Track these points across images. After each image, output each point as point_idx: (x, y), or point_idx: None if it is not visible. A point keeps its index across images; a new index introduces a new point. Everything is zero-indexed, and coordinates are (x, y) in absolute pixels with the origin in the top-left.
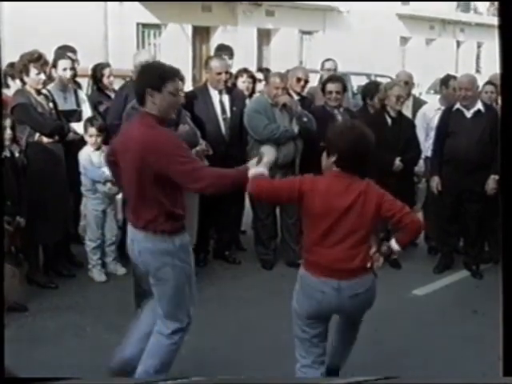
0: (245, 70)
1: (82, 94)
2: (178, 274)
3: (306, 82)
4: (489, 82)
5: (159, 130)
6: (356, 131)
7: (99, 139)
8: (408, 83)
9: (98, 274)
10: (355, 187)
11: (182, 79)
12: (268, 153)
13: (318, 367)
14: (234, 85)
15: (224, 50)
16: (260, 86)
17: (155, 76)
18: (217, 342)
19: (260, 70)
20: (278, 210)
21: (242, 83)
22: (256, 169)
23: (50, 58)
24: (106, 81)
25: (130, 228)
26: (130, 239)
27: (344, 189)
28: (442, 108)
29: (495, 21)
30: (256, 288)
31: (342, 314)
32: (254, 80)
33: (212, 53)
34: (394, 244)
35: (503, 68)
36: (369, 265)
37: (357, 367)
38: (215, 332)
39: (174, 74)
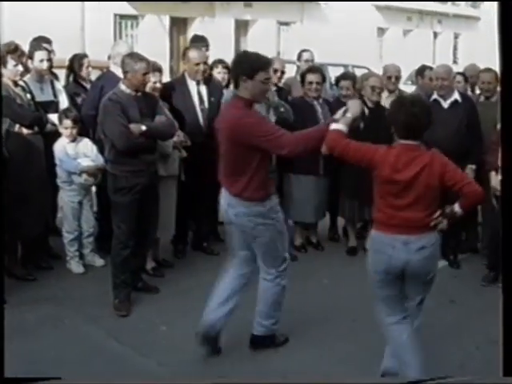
0: (220, 61)
1: (59, 85)
2: (269, 231)
3: (283, 72)
4: (458, 73)
5: (246, 111)
6: (415, 103)
7: (74, 131)
8: (397, 77)
9: (75, 266)
10: (420, 159)
11: (160, 70)
12: (353, 107)
13: (405, 323)
14: (211, 75)
15: (199, 41)
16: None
17: (249, 65)
18: (195, 332)
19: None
20: None
21: (218, 74)
22: (336, 124)
23: (26, 48)
24: (83, 72)
25: (224, 194)
26: (225, 204)
27: (410, 160)
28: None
29: (472, 12)
30: None
31: (409, 270)
32: (229, 71)
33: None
34: (456, 208)
35: (503, 68)
36: (432, 223)
37: (337, 358)
38: (194, 323)
39: (266, 65)
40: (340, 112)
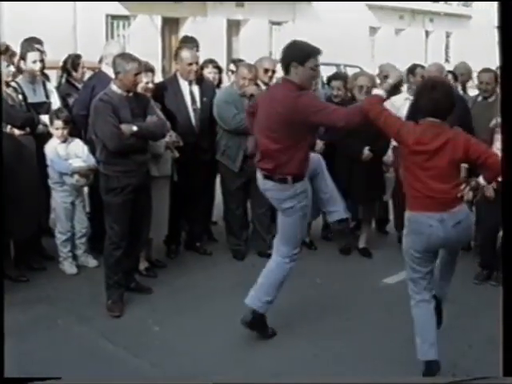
0: (210, 61)
1: (51, 86)
2: (298, 212)
3: (274, 72)
4: (449, 71)
5: (297, 92)
6: (436, 88)
7: (65, 131)
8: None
9: (68, 267)
10: (444, 134)
11: (152, 70)
12: (393, 74)
13: (432, 301)
14: (202, 75)
15: (189, 42)
16: (233, 78)
17: (301, 52)
18: (188, 332)
19: (233, 61)
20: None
21: (208, 74)
22: (377, 90)
23: (17, 49)
24: (78, 73)
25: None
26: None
27: (435, 135)
28: (410, 98)
29: (464, 10)
30: (227, 279)
31: (447, 246)
32: (220, 70)
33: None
34: (481, 180)
35: (503, 68)
36: (459, 195)
37: (328, 356)
38: (187, 323)
39: (316, 52)
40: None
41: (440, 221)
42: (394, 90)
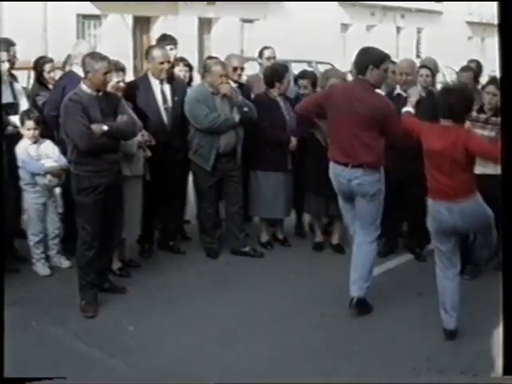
0: (181, 59)
1: (19, 86)
2: (382, 194)
3: (242, 69)
4: (423, 66)
5: (378, 94)
6: (451, 93)
7: (36, 132)
8: None
9: (41, 268)
10: (452, 135)
11: (123, 69)
12: (413, 93)
13: (455, 279)
14: (173, 74)
15: (168, 40)
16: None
17: (377, 56)
18: (163, 331)
19: (209, 58)
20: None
21: (179, 72)
22: (406, 108)
23: None
24: (47, 75)
25: (343, 170)
26: (346, 179)
27: (444, 136)
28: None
29: (435, 6)
30: (201, 277)
31: (457, 231)
32: (191, 69)
33: (153, 43)
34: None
35: (503, 68)
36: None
37: (303, 352)
38: (162, 322)
39: (387, 57)
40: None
41: (448, 209)
42: (417, 104)
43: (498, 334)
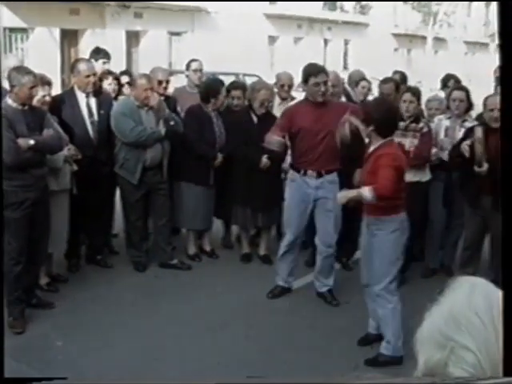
0: (109, 73)
1: None
2: None
3: (168, 82)
4: (363, 79)
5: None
6: (388, 103)
7: None
8: (289, 85)
9: None
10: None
11: (49, 83)
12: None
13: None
14: (101, 87)
15: (101, 54)
16: (125, 90)
17: (304, 71)
18: (92, 346)
19: (124, 73)
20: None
21: (108, 85)
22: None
23: None
24: None
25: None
26: None
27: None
28: None
29: (361, 19)
30: (129, 291)
31: None
32: (119, 82)
33: (81, 56)
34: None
35: (503, 69)
36: None
37: (233, 363)
38: (90, 337)
39: (314, 72)
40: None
41: (366, 225)
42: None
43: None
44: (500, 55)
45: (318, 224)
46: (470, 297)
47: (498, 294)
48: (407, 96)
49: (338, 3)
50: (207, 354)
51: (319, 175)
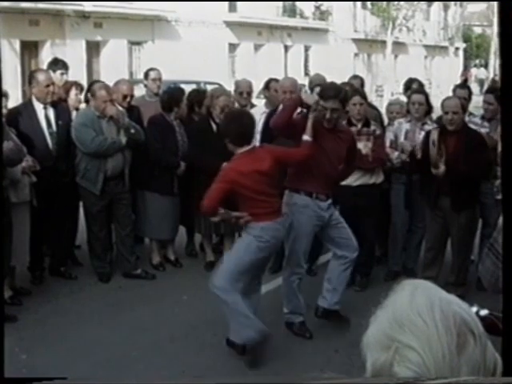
0: (75, 83)
1: None
2: None
3: (132, 96)
4: (319, 85)
5: None
6: (241, 114)
7: None
8: (248, 92)
9: None
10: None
11: (6, 95)
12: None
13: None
14: (60, 99)
15: (59, 65)
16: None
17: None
18: (57, 359)
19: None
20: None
21: (75, 96)
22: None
23: None
24: None
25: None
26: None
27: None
28: (267, 111)
29: (321, 25)
30: (94, 301)
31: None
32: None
33: (42, 67)
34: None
35: (503, 70)
36: None
37: (197, 372)
38: (54, 349)
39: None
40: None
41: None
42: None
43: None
44: (500, 55)
45: (338, 237)
46: (411, 298)
47: (439, 295)
48: (356, 99)
49: (298, 9)
50: (172, 363)
51: (327, 197)
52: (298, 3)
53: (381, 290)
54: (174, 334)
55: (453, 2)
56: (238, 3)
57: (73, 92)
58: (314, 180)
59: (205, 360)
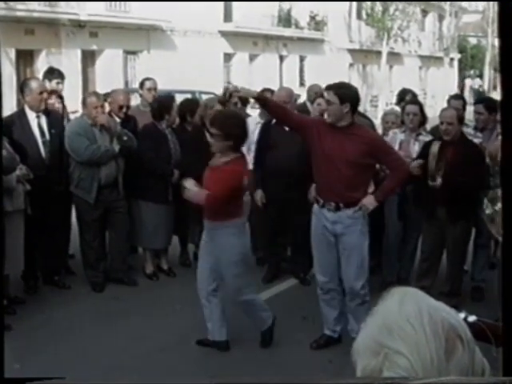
0: (55, 92)
1: None
2: None
3: (128, 107)
4: (321, 95)
5: None
6: (244, 119)
7: None
8: (243, 103)
9: None
10: None
11: None
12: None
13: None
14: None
15: (55, 74)
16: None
17: None
18: (50, 368)
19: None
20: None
21: (58, 104)
22: None
23: None
24: None
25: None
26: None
27: None
28: (262, 121)
29: (316, 35)
30: (87, 311)
31: None
32: (63, 100)
33: (37, 76)
34: None
35: (503, 70)
36: None
37: (194, 380)
38: (48, 359)
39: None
40: None
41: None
42: None
43: None
44: (500, 55)
45: (341, 265)
46: (400, 305)
47: (427, 301)
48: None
49: (293, 19)
50: (167, 372)
51: (337, 208)
52: (293, 13)
53: (374, 300)
54: (168, 343)
55: (448, 13)
56: (234, 13)
57: (51, 101)
58: (319, 186)
59: (199, 369)
